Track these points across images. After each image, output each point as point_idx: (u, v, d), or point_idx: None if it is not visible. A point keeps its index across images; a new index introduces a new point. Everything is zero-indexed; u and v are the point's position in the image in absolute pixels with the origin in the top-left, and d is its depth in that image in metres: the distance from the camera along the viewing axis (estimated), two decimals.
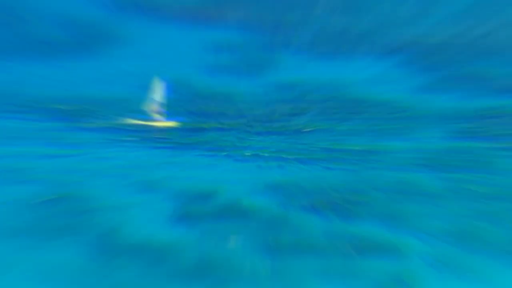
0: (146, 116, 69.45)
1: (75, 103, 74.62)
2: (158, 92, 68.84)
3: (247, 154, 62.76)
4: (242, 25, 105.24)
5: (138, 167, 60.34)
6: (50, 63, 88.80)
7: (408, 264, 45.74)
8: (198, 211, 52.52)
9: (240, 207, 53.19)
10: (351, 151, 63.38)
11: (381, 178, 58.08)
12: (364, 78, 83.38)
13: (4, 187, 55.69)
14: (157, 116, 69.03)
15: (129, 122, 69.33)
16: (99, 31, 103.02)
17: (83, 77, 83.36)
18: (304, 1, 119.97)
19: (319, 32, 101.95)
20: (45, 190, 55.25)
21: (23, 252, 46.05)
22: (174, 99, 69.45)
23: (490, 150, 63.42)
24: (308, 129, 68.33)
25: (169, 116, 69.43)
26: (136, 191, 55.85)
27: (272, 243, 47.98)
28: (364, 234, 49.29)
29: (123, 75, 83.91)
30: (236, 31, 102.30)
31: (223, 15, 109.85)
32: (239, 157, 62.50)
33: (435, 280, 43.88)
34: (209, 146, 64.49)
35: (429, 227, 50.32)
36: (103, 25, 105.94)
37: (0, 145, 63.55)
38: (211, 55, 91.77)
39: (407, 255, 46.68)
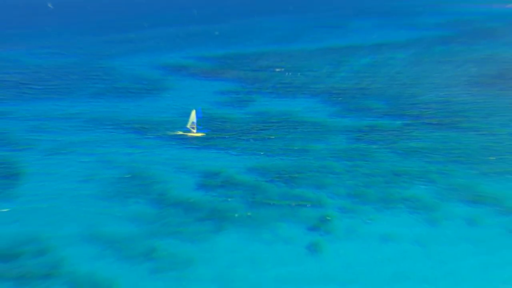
0: (184, 129, 68.66)
1: (142, 123, 74.88)
2: (193, 117, 67.84)
3: (238, 151, 62.50)
4: (235, 80, 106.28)
5: (178, 159, 60.19)
6: (128, 101, 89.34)
7: (326, 210, 47.04)
8: (210, 183, 53.20)
9: (234, 179, 53.97)
10: (294, 149, 62.91)
11: (311, 164, 58.01)
12: (301, 108, 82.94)
13: (102, 170, 56.23)
14: (191, 129, 68.21)
15: (174, 133, 68.98)
16: (155, 83, 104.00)
17: (146, 109, 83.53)
18: (268, 67, 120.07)
19: (277, 83, 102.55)
20: (125, 172, 56.09)
21: (115, 205, 47.88)
22: (200, 121, 68.86)
23: (371, 148, 63.06)
24: (271, 137, 67.60)
25: (198, 130, 68.66)
26: (176, 172, 56.19)
27: (250, 199, 49.16)
28: (301, 194, 50.38)
29: (169, 108, 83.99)
30: (232, 83, 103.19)
31: (225, 74, 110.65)
32: (234, 152, 62.29)
33: (341, 218, 45.33)
34: (217, 147, 64.23)
35: (337, 190, 51.10)
36: (158, 80, 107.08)
37: (101, 147, 64.09)
38: (218, 96, 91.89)
39: (325, 206, 48.05)
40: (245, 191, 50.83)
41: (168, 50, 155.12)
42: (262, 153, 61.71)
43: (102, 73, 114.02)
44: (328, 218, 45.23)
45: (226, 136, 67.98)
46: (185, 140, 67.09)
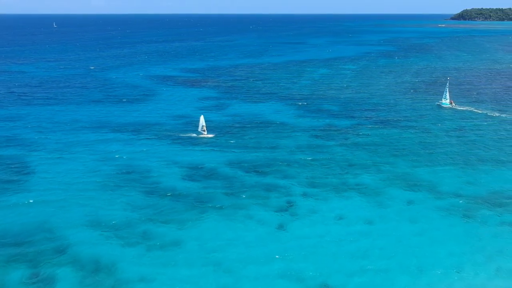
0: (197, 132, 67.55)
1: (136, 126, 73.63)
2: (202, 121, 67.24)
3: (218, 148, 61.47)
4: (215, 88, 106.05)
5: (167, 155, 58.63)
6: (123, 107, 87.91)
7: (291, 196, 46.78)
8: (195, 175, 52.08)
9: (215, 172, 53.15)
10: (265, 145, 62.89)
11: (278, 157, 58.16)
12: (270, 111, 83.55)
13: (102, 167, 55.00)
14: (203, 132, 67.22)
15: (187, 135, 67.26)
16: (146, 92, 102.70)
17: (139, 114, 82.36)
18: (242, 77, 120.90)
19: (250, 91, 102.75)
20: (122, 167, 54.62)
21: (114, 196, 46.51)
22: (189, 123, 68.16)
23: (328, 144, 63.62)
24: (246, 136, 66.93)
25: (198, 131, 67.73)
26: (166, 166, 54.74)
27: (229, 188, 48.70)
28: (270, 183, 50.28)
29: (158, 112, 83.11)
30: (212, 91, 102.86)
31: (206, 84, 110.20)
32: (214, 149, 61.23)
33: (303, 202, 45.41)
34: (200, 145, 63.14)
35: (300, 179, 51.25)
36: (148, 89, 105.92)
37: (101, 147, 62.67)
38: (200, 102, 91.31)
39: (290, 192, 47.17)
40: (224, 181, 50.61)
41: (157, 64, 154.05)
42: (238, 149, 61.39)
43: (99, 84, 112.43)
44: (292, 202, 45.47)
45: (208, 135, 67.47)
46: (175, 140, 66.37)
